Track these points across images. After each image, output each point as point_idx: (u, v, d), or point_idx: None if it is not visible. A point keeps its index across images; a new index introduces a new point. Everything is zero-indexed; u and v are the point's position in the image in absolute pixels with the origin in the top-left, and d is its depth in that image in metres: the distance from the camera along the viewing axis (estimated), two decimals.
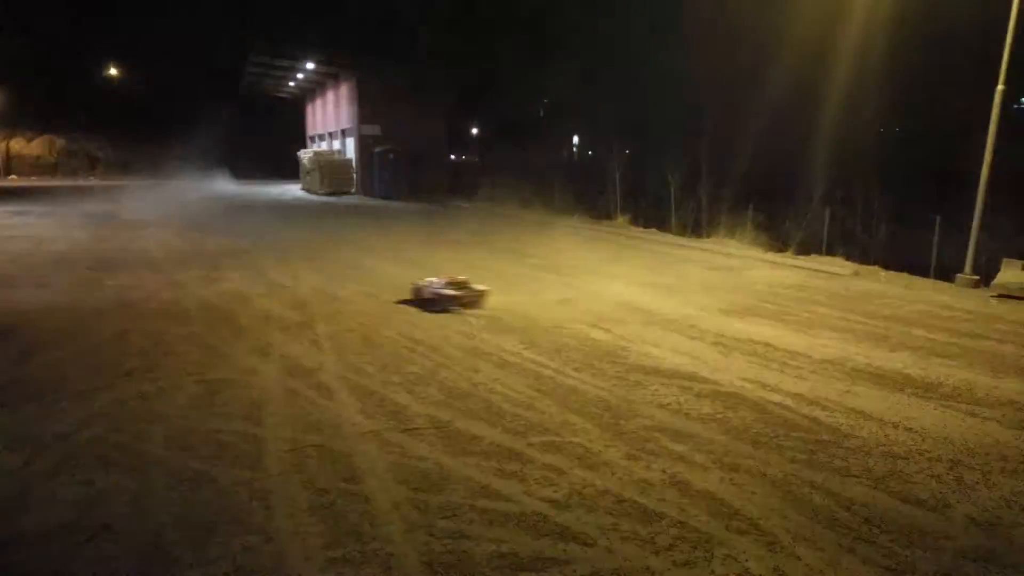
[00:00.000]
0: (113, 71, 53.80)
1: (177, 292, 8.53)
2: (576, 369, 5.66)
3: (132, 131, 50.17)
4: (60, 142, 49.73)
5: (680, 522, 3.31)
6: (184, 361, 5.69)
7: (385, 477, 3.69)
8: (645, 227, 17.89)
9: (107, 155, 51.07)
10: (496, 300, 8.39)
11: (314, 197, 30.66)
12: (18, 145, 48.39)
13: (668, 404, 4.89)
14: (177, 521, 3.22)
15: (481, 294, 7.94)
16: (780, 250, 13.46)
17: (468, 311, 7.62)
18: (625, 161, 21.01)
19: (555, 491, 3.59)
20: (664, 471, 3.85)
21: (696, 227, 16.36)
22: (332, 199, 29.53)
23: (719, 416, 4.69)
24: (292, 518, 3.27)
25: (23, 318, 7.11)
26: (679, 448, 4.15)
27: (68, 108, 49.93)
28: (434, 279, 8.03)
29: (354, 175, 32.56)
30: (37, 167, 48.02)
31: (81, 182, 43.06)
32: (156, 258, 11.36)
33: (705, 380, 5.45)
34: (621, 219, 19.35)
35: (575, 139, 32.04)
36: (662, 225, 17.43)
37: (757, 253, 13.46)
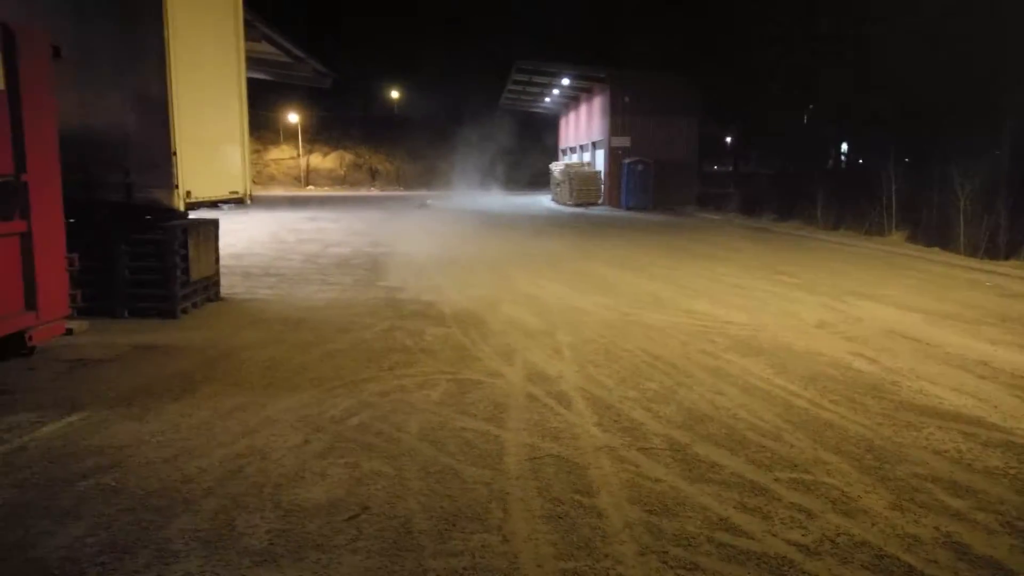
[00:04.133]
0: (394, 94, 60.62)
1: (436, 296, 9.25)
2: (833, 402, 5.15)
3: (407, 147, 56.22)
4: (348, 157, 56.99)
5: None
6: (439, 359, 6.13)
7: (619, 495, 3.64)
8: (926, 245, 15.87)
9: (386, 168, 57.42)
10: (744, 319, 7.97)
11: (563, 208, 31.66)
12: (316, 160, 56.35)
13: (945, 451, 4.25)
14: (425, 510, 3.45)
15: None
16: None
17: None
18: (903, 170, 18.75)
19: (803, 535, 3.27)
20: (937, 528, 3.34)
21: (991, 247, 14.05)
22: (580, 210, 30.27)
23: (1012, 471, 3.97)
24: (527, 523, 3.34)
25: (311, 312, 8.18)
26: (957, 503, 3.58)
27: (356, 127, 57.34)
28: None
29: (602, 186, 33.07)
30: (329, 179, 55.47)
31: (364, 192, 48.85)
32: (419, 264, 12.44)
33: (995, 427, 4.66)
34: (896, 235, 17.35)
35: (843, 146, 29.39)
36: (947, 244, 15.26)
37: None
